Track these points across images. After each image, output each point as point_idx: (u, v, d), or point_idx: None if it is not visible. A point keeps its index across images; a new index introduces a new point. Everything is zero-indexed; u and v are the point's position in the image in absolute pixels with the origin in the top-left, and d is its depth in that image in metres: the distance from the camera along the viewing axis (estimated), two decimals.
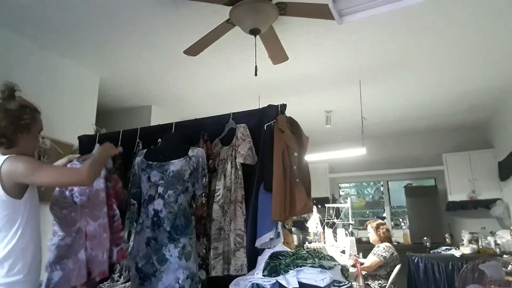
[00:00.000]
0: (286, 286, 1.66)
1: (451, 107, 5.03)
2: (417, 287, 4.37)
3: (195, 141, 2.27)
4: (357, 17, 1.58)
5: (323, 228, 4.53)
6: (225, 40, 2.87)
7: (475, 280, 3.13)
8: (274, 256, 1.87)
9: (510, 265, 3.02)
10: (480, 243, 4.46)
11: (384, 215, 6.55)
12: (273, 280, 1.71)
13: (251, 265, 1.97)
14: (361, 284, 3.44)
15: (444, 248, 4.77)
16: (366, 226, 4.34)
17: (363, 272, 3.70)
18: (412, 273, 4.45)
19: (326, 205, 5.48)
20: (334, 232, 4.50)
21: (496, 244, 4.39)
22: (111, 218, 1.93)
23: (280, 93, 4.42)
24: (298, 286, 1.65)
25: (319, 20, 2.72)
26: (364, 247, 4.98)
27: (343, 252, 4.03)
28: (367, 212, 7.04)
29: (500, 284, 2.74)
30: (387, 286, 3.69)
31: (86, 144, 2.77)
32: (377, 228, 4.14)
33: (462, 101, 4.79)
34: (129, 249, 2.16)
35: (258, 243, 1.96)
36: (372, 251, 3.94)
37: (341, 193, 7.11)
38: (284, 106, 2.16)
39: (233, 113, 2.30)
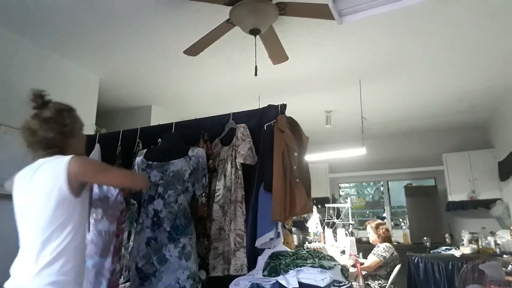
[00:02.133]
0: (286, 286, 1.66)
1: (451, 107, 5.02)
2: (417, 287, 4.37)
3: (195, 141, 2.27)
4: (357, 17, 1.58)
5: (323, 228, 4.53)
6: (225, 40, 2.88)
7: (475, 280, 3.13)
8: (274, 256, 1.87)
9: (510, 265, 3.01)
10: (480, 243, 4.46)
11: (384, 215, 6.55)
12: (273, 280, 1.71)
13: (251, 265, 1.97)
14: (361, 284, 3.44)
15: (444, 248, 4.77)
16: (366, 226, 4.34)
17: (363, 272, 3.70)
18: (412, 273, 4.45)
19: (326, 205, 5.48)
20: (334, 232, 4.50)
21: (496, 244, 4.38)
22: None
23: (280, 93, 4.42)
24: (298, 286, 1.65)
25: (319, 20, 2.72)
26: (364, 247, 4.98)
27: (343, 252, 4.03)
28: (367, 212, 7.04)
29: (500, 284, 2.74)
30: (387, 286, 3.69)
31: (86, 144, 2.77)
32: (376, 228, 4.14)
33: (462, 101, 4.79)
34: (129, 249, 2.16)
35: (258, 243, 1.96)
36: (372, 251, 3.94)
37: (341, 193, 7.11)
38: (284, 106, 2.16)
39: (233, 113, 2.31)
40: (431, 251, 4.73)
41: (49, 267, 1.39)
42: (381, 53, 3.51)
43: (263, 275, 1.76)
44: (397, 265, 3.81)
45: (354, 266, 3.60)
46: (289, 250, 2.03)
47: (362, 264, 3.76)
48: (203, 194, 2.14)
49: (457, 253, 4.38)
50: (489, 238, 4.48)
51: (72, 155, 1.51)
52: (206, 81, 4.12)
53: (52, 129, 1.53)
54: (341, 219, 5.08)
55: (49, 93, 1.61)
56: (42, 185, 1.47)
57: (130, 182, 1.70)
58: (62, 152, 1.56)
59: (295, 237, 5.28)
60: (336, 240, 4.35)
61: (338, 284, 1.71)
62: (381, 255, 3.78)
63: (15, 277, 1.45)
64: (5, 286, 1.44)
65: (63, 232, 1.45)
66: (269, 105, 2.19)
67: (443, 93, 4.52)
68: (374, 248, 3.95)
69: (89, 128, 3.63)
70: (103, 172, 1.58)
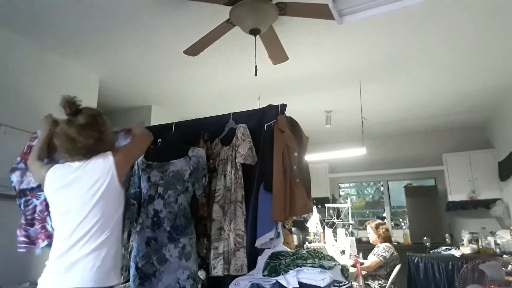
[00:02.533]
0: (286, 286, 1.67)
1: (451, 107, 5.02)
2: (417, 287, 4.37)
3: (195, 141, 2.27)
4: (357, 17, 1.58)
5: (323, 228, 4.53)
6: (225, 40, 2.87)
7: (475, 280, 3.13)
8: (274, 256, 1.87)
9: (510, 265, 3.01)
10: (480, 243, 4.46)
11: (384, 215, 6.55)
12: (273, 280, 1.71)
13: (251, 265, 1.97)
14: (361, 284, 3.44)
15: (444, 248, 4.77)
16: (366, 226, 4.34)
17: (363, 272, 3.70)
18: (412, 273, 4.45)
19: (326, 205, 5.48)
20: (334, 232, 4.50)
21: (496, 244, 4.39)
22: None
23: (280, 93, 4.42)
24: (298, 286, 1.65)
25: (319, 20, 2.72)
26: (364, 247, 4.98)
27: (343, 252, 4.03)
28: (367, 212, 7.04)
29: (500, 284, 2.74)
30: (387, 286, 3.69)
31: None
32: (376, 228, 4.14)
33: (462, 101, 4.79)
34: (129, 249, 2.16)
35: (258, 243, 1.96)
36: (372, 251, 3.94)
37: (341, 193, 7.11)
38: (284, 106, 2.16)
39: (233, 113, 2.31)
40: (431, 251, 4.73)
41: (98, 252, 1.50)
42: (381, 53, 3.51)
43: (263, 275, 1.76)
44: (397, 265, 3.81)
45: (354, 266, 3.60)
46: (289, 250, 2.03)
47: (362, 264, 3.76)
48: (203, 194, 2.14)
49: (457, 253, 4.38)
50: (489, 238, 4.48)
51: (110, 151, 1.64)
52: (206, 81, 4.12)
53: (91, 136, 1.61)
54: (341, 219, 5.08)
55: (80, 99, 1.69)
56: (91, 180, 1.57)
57: (147, 142, 1.87)
58: (100, 152, 1.65)
59: (295, 237, 5.28)
60: (336, 240, 4.35)
61: (338, 284, 1.71)
62: (381, 255, 3.78)
63: (59, 263, 1.51)
64: (49, 273, 1.53)
65: (114, 220, 1.58)
66: (269, 105, 2.19)
67: (443, 93, 4.52)
68: (374, 248, 3.95)
69: None
70: (134, 149, 1.78)
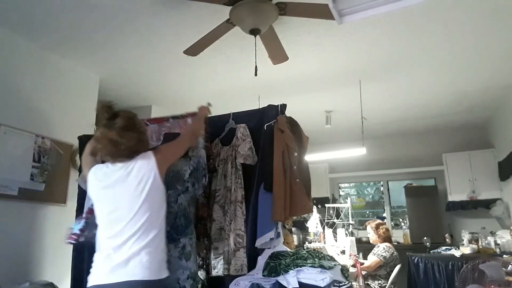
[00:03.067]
0: (286, 286, 1.67)
1: (451, 107, 5.02)
2: (417, 287, 4.37)
3: None
4: (357, 17, 1.58)
5: (323, 228, 4.53)
6: (225, 40, 2.87)
7: (475, 280, 3.13)
8: (274, 256, 1.88)
9: (510, 265, 3.02)
10: (480, 243, 4.45)
11: (384, 215, 6.55)
12: (273, 280, 1.72)
13: (251, 265, 1.97)
14: (361, 284, 3.44)
15: (444, 248, 4.76)
16: (366, 226, 4.34)
17: (363, 272, 3.70)
18: (412, 273, 4.45)
19: (326, 205, 5.48)
20: (334, 232, 4.50)
21: (496, 244, 4.38)
22: None
23: (280, 93, 4.42)
24: (298, 286, 1.65)
25: (319, 20, 2.72)
26: (364, 247, 4.98)
27: (343, 252, 4.03)
28: (367, 212, 7.04)
29: (500, 284, 2.74)
30: (387, 286, 3.69)
31: (86, 144, 2.76)
32: (376, 228, 4.14)
33: (462, 101, 4.79)
34: None
35: (258, 243, 1.96)
36: (372, 251, 3.94)
37: (341, 193, 7.11)
38: (284, 106, 2.17)
39: (233, 113, 2.31)
40: (431, 251, 4.73)
41: (148, 247, 1.54)
42: (381, 53, 3.51)
43: (263, 275, 1.76)
44: (397, 265, 3.81)
45: (354, 266, 3.60)
46: (289, 250, 2.03)
47: (362, 264, 3.76)
48: (203, 194, 2.14)
49: (457, 253, 4.38)
50: (489, 238, 4.48)
51: (151, 150, 1.70)
52: (206, 81, 4.12)
53: (132, 138, 1.67)
54: (341, 219, 5.08)
55: (116, 103, 1.73)
56: (136, 179, 1.62)
57: (191, 139, 1.94)
58: (138, 154, 1.70)
59: (295, 237, 5.27)
60: (336, 240, 4.35)
61: (338, 284, 1.71)
62: (381, 255, 3.78)
63: (110, 260, 1.54)
64: (100, 270, 1.55)
65: (160, 216, 1.64)
66: (269, 105, 2.19)
67: (443, 93, 4.52)
68: (374, 248, 3.95)
69: (89, 128, 3.62)
70: (176, 148, 1.84)
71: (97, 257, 1.60)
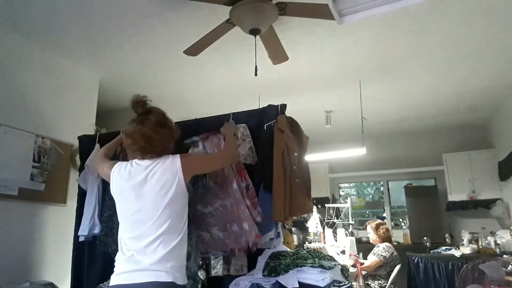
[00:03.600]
0: (286, 286, 1.67)
1: (451, 107, 5.02)
2: (417, 287, 4.37)
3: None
4: (357, 17, 1.58)
5: (323, 228, 4.53)
6: (225, 40, 2.87)
7: (475, 280, 3.13)
8: (274, 256, 1.87)
9: (510, 265, 3.01)
10: (480, 243, 4.45)
11: (384, 215, 6.55)
12: (273, 280, 1.71)
13: (251, 265, 1.97)
14: (361, 284, 3.44)
15: (444, 248, 4.76)
16: (366, 226, 4.34)
17: (363, 272, 3.70)
18: (412, 273, 4.45)
19: (326, 205, 5.48)
20: (334, 232, 4.50)
21: (496, 244, 4.38)
22: (244, 189, 2.01)
23: (280, 93, 4.42)
24: (298, 286, 1.65)
25: (319, 20, 2.72)
26: (364, 247, 4.97)
27: (343, 252, 4.03)
28: (367, 212, 7.04)
29: (500, 284, 2.74)
30: (387, 286, 3.69)
31: (86, 144, 2.77)
32: (376, 228, 4.14)
33: (462, 101, 4.79)
34: None
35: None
36: (372, 251, 3.93)
37: (341, 193, 7.11)
38: (284, 106, 2.16)
39: (233, 113, 2.30)
40: (431, 251, 4.73)
41: (171, 253, 1.53)
42: (381, 53, 3.51)
43: (263, 275, 1.76)
44: (397, 265, 3.81)
45: (354, 266, 3.60)
46: (289, 250, 2.03)
47: (362, 264, 3.75)
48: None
49: (457, 253, 4.38)
50: (489, 238, 4.48)
51: (178, 154, 1.67)
52: (206, 81, 4.12)
53: (165, 134, 1.69)
54: (341, 219, 5.09)
55: (150, 99, 1.74)
56: (161, 181, 1.60)
57: (225, 162, 1.90)
58: (166, 153, 1.69)
59: (295, 237, 5.27)
60: (336, 240, 4.35)
61: (338, 284, 1.71)
62: (381, 255, 3.78)
63: (133, 263, 1.52)
64: (121, 268, 1.54)
65: (182, 221, 1.62)
66: (269, 105, 2.19)
67: (443, 93, 4.52)
68: (374, 248, 3.95)
69: (89, 128, 3.64)
70: (205, 162, 1.85)
71: (119, 257, 1.58)
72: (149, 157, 1.66)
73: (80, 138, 2.86)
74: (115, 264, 1.58)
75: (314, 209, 4.47)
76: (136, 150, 1.67)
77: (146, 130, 1.64)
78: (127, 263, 1.53)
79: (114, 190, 1.69)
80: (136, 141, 1.65)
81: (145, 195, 1.59)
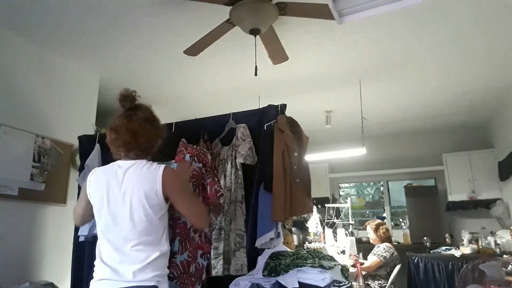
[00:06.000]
0: (286, 286, 1.67)
1: (451, 107, 5.02)
2: (417, 287, 4.37)
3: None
4: (357, 17, 1.58)
5: (323, 228, 4.53)
6: (225, 40, 2.87)
7: (475, 280, 3.13)
8: (274, 256, 1.87)
9: (510, 265, 3.02)
10: (480, 243, 4.46)
11: (384, 215, 6.55)
12: (273, 280, 1.71)
13: (251, 265, 1.97)
14: (361, 284, 3.44)
15: (444, 248, 4.76)
16: (366, 226, 4.34)
17: (363, 272, 3.70)
18: (412, 273, 4.45)
19: (326, 205, 5.48)
20: (334, 232, 4.50)
21: (496, 244, 4.38)
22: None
23: (280, 93, 4.42)
24: (298, 286, 1.65)
25: (319, 20, 2.72)
26: (364, 247, 4.98)
27: (343, 252, 4.03)
28: (367, 212, 7.04)
29: (500, 284, 2.74)
30: (387, 286, 3.69)
31: (86, 144, 2.77)
32: (376, 228, 4.14)
33: (462, 101, 4.79)
34: None
35: (258, 243, 1.96)
36: (372, 251, 3.94)
37: (341, 193, 7.11)
38: (284, 106, 2.16)
39: (233, 113, 2.31)
40: (431, 251, 4.73)
41: (153, 264, 1.48)
42: (381, 53, 3.51)
43: (263, 275, 1.76)
44: (397, 265, 3.81)
45: (354, 266, 3.60)
46: (289, 250, 2.03)
47: (362, 264, 3.75)
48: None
49: (457, 253, 4.38)
50: (489, 238, 4.48)
51: (164, 166, 1.57)
52: (206, 81, 4.12)
53: (151, 131, 1.62)
54: (341, 219, 5.08)
55: (139, 94, 1.68)
56: (139, 189, 1.51)
57: (195, 220, 1.61)
58: (151, 152, 1.64)
59: (295, 237, 5.27)
60: (336, 240, 4.35)
61: (338, 284, 1.71)
62: (381, 255, 3.78)
63: (112, 271, 1.47)
64: (99, 276, 1.49)
65: (163, 233, 1.54)
66: (269, 105, 2.19)
67: (443, 93, 4.52)
68: (374, 248, 3.95)
69: (89, 128, 3.63)
70: (184, 196, 1.59)
71: (98, 265, 1.52)
72: (133, 154, 1.59)
73: (80, 138, 2.87)
74: (94, 270, 1.52)
75: (314, 209, 4.47)
76: (120, 145, 1.59)
77: (133, 125, 1.59)
78: (104, 272, 1.48)
79: (91, 194, 1.60)
80: (121, 136, 1.58)
81: (120, 200, 1.51)
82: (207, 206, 1.83)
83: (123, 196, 1.52)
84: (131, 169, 1.56)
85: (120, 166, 1.58)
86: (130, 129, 1.58)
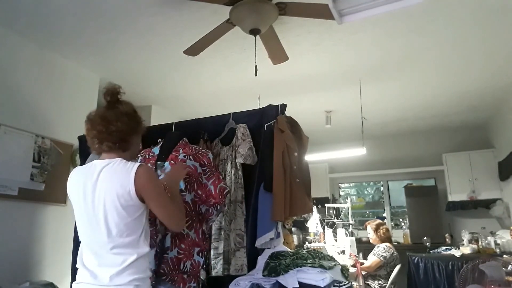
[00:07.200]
0: (286, 286, 1.66)
1: (451, 107, 5.02)
2: (417, 287, 4.37)
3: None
4: (357, 17, 1.58)
5: (323, 228, 4.53)
6: (225, 40, 2.87)
7: (475, 280, 3.13)
8: (274, 256, 1.87)
9: (510, 265, 3.02)
10: (480, 243, 4.46)
11: (384, 215, 6.55)
12: (273, 280, 1.71)
13: (251, 265, 1.97)
14: (361, 284, 3.44)
15: (444, 248, 4.76)
16: (366, 226, 4.34)
17: (363, 272, 3.70)
18: (412, 273, 4.45)
19: (326, 205, 5.48)
20: (334, 232, 4.50)
21: (496, 244, 4.38)
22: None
23: (280, 93, 4.42)
24: (298, 286, 1.65)
25: (319, 20, 2.72)
26: (364, 247, 4.98)
27: (343, 252, 4.03)
28: (367, 212, 7.04)
29: (500, 284, 2.74)
30: (387, 286, 3.69)
31: (86, 144, 2.76)
32: (376, 228, 4.14)
33: (462, 101, 4.79)
34: None
35: (258, 243, 1.96)
36: (372, 251, 3.94)
37: (341, 193, 7.11)
38: (284, 106, 2.16)
39: (233, 113, 2.31)
40: (431, 251, 4.73)
41: (131, 267, 1.43)
42: (381, 53, 3.51)
43: (263, 275, 1.76)
44: (397, 265, 3.81)
45: (354, 266, 3.60)
46: (289, 250, 2.03)
47: (362, 264, 3.75)
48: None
49: (457, 253, 4.38)
50: (489, 238, 4.48)
51: (139, 164, 1.48)
52: (206, 81, 4.12)
53: (128, 124, 1.55)
54: (341, 219, 5.08)
55: (124, 91, 1.62)
56: (112, 189, 1.44)
57: (167, 222, 1.55)
58: (126, 148, 1.56)
59: (295, 237, 5.28)
60: (336, 240, 4.35)
61: (338, 284, 1.71)
62: (381, 255, 3.78)
63: (91, 275, 1.44)
64: (81, 280, 1.46)
65: (141, 235, 1.48)
66: (269, 105, 2.19)
67: (443, 93, 4.52)
68: (374, 248, 3.95)
69: None
70: (159, 197, 1.50)
71: (79, 268, 1.49)
72: (105, 146, 1.52)
73: (80, 138, 2.86)
74: (77, 275, 1.49)
75: (314, 209, 4.47)
76: (94, 136, 1.52)
77: (108, 114, 1.52)
78: (85, 276, 1.45)
79: (70, 196, 1.55)
80: (95, 125, 1.52)
81: (96, 202, 1.45)
82: (211, 207, 1.82)
83: (98, 197, 1.45)
84: (105, 168, 1.49)
85: (96, 165, 1.52)
86: (103, 117, 1.52)
